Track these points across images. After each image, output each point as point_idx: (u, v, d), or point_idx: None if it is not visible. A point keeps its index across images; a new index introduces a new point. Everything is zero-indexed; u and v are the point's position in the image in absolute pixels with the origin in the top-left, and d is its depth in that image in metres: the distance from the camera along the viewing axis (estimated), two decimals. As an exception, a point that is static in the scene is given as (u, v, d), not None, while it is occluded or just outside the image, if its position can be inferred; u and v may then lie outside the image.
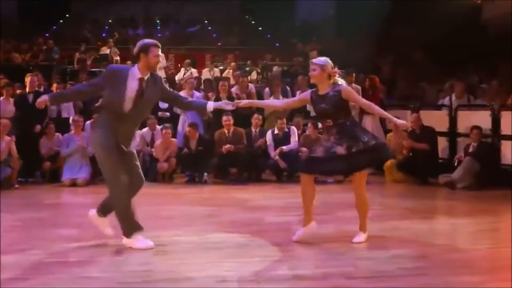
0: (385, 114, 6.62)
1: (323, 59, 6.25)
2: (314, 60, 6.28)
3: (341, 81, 6.25)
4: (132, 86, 5.86)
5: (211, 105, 6.24)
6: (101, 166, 6.03)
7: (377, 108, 6.55)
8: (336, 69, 6.29)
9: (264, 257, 5.65)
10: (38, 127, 11.86)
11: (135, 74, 5.90)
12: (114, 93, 5.87)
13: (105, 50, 19.88)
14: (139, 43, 6.06)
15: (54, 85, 12.96)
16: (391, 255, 5.73)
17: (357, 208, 6.34)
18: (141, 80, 5.90)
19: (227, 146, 11.53)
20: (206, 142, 11.81)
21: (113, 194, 6.02)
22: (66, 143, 11.57)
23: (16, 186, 10.98)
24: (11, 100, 12.02)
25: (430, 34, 15.47)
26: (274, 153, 11.63)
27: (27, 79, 12.18)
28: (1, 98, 11.97)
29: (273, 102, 6.51)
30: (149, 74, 5.97)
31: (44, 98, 6.02)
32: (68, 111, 12.68)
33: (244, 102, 6.77)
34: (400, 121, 6.34)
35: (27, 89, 12.17)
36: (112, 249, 6.05)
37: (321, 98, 6.22)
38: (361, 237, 6.26)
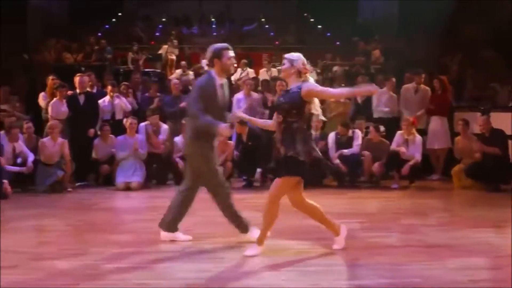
0: (350, 91, 6.79)
1: (296, 55, 6.08)
2: (286, 55, 6.14)
3: (311, 80, 6.08)
4: (220, 94, 6.30)
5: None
6: (205, 177, 6.48)
7: (338, 92, 6.81)
8: (308, 67, 6.17)
9: (325, 266, 5.61)
10: (91, 131, 12.04)
11: (217, 81, 6.29)
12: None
13: (165, 49, 20.09)
14: (211, 49, 6.37)
15: (109, 87, 13.06)
16: (460, 265, 5.62)
17: (263, 216, 6.15)
18: (221, 86, 6.31)
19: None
20: (257, 136, 11.83)
21: (221, 201, 6.58)
22: (120, 146, 11.72)
23: (69, 189, 11.19)
24: (64, 101, 12.20)
25: (501, 31, 15.17)
26: (334, 156, 11.59)
27: (76, 80, 12.29)
28: (55, 99, 12.16)
29: (265, 122, 6.49)
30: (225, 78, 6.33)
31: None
32: (120, 113, 12.81)
33: (243, 118, 6.92)
34: (365, 89, 6.43)
35: (77, 90, 12.27)
36: (166, 255, 6.09)
37: (285, 93, 6.18)
38: (253, 250, 6.10)
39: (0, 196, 10.09)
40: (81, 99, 12.15)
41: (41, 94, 13.03)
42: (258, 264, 5.72)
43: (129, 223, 8.04)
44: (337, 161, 11.56)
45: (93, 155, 11.99)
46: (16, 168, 11.04)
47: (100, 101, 12.69)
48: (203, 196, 6.52)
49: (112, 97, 12.85)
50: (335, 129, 12.03)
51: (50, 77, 13.15)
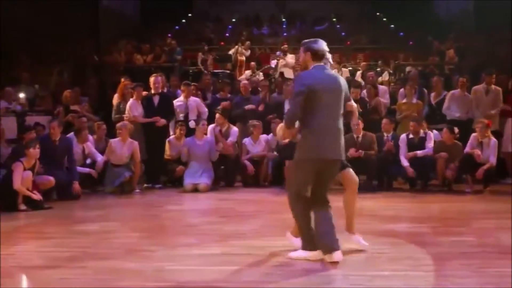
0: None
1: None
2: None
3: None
4: None
5: None
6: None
7: None
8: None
9: (396, 271, 5.57)
10: (162, 121, 12.07)
11: None
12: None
13: (236, 50, 20.22)
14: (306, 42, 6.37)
15: (182, 87, 13.08)
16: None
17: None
18: None
19: (357, 151, 11.43)
20: None
21: None
22: (187, 147, 11.84)
23: (137, 190, 11.38)
24: (139, 102, 12.27)
25: None
26: (407, 155, 11.47)
27: (151, 80, 12.30)
28: (132, 99, 12.25)
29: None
30: None
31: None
32: (195, 113, 12.90)
33: None
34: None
35: (152, 91, 12.32)
36: (235, 258, 6.13)
37: None
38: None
39: (72, 197, 10.39)
40: (156, 99, 12.22)
41: (116, 96, 13.24)
42: (327, 268, 5.70)
43: (195, 225, 8.11)
44: (406, 163, 11.45)
45: (166, 155, 12.10)
46: (85, 169, 11.30)
47: (174, 101, 12.81)
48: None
49: (186, 97, 12.94)
50: (406, 131, 11.91)
51: (122, 79, 13.37)
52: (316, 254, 5.92)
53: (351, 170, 6.38)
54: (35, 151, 9.66)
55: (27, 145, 9.74)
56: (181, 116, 12.67)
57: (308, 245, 5.98)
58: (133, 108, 12.15)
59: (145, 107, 12.20)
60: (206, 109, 12.96)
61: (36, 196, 9.49)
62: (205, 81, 14.93)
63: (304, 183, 5.94)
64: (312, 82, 5.83)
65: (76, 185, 10.57)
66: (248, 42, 21.01)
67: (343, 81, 6.07)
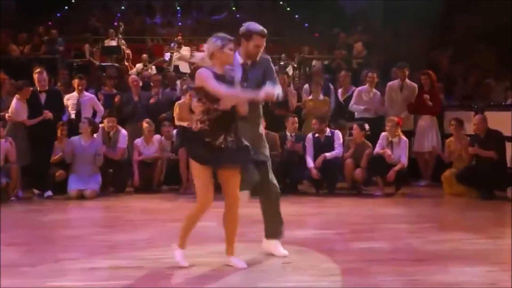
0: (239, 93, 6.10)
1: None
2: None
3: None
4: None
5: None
6: None
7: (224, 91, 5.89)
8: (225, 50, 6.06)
9: (301, 282, 5.63)
10: (50, 114, 11.73)
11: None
12: None
13: (109, 42, 19.80)
14: (244, 27, 6.52)
15: (76, 81, 12.87)
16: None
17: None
18: (244, 65, 6.41)
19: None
20: None
21: None
22: (72, 147, 11.64)
23: (12, 198, 11.19)
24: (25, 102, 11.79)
25: (496, 23, 15.27)
26: (314, 162, 11.60)
27: (36, 76, 11.91)
28: (15, 100, 11.63)
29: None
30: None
31: None
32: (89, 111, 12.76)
33: None
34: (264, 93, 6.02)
35: (37, 88, 11.92)
36: (125, 272, 6.07)
37: None
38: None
39: None
40: (43, 97, 11.83)
41: None
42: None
43: (80, 236, 7.98)
44: (311, 164, 11.60)
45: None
46: None
47: (65, 98, 12.56)
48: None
49: (79, 93, 12.73)
50: (311, 131, 12.08)
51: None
52: None
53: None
54: None
55: None
56: (72, 114, 12.42)
57: None
58: (18, 109, 11.62)
59: (30, 106, 11.73)
60: (102, 108, 12.82)
61: None
62: (95, 76, 14.68)
63: None
64: None
65: None
66: (119, 31, 20.34)
67: None
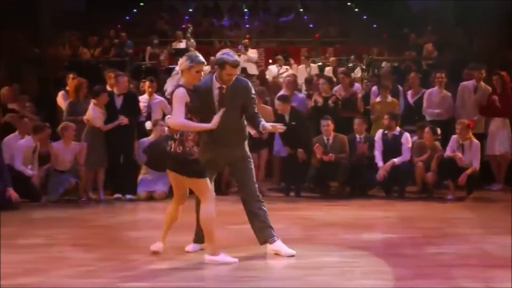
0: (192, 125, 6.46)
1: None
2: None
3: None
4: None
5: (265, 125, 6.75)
6: None
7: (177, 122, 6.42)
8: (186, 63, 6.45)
9: (368, 286, 5.60)
10: (126, 120, 11.80)
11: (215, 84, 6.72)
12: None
13: (177, 44, 19.93)
14: (219, 54, 6.70)
15: (147, 83, 12.97)
16: None
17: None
18: (220, 89, 6.69)
19: (328, 155, 11.48)
20: (299, 116, 11.91)
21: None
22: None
23: (83, 199, 11.41)
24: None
25: None
26: (382, 170, 11.52)
27: (119, 79, 12.01)
28: (93, 106, 11.70)
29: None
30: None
31: None
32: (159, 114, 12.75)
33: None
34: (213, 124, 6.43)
35: (115, 91, 12.02)
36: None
37: None
38: None
39: (9, 206, 10.22)
40: (119, 101, 11.89)
41: (61, 93, 13.05)
42: (295, 283, 5.71)
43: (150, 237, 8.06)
44: (381, 163, 11.55)
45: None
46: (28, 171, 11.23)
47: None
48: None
49: (150, 95, 12.83)
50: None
51: (71, 75, 13.19)
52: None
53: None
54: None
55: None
56: (143, 117, 12.56)
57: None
58: (96, 115, 11.69)
59: (107, 110, 11.81)
60: (170, 108, 12.74)
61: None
62: (163, 78, 14.71)
63: None
64: None
65: (11, 192, 10.44)
66: (188, 34, 20.55)
67: None
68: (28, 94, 14.40)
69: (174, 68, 17.31)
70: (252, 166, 6.93)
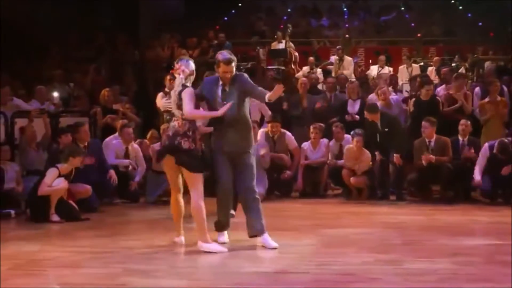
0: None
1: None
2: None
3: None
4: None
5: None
6: None
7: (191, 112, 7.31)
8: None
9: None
10: None
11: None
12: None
13: (277, 45, 19.94)
14: (217, 55, 7.77)
15: None
16: None
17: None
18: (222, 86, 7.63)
19: (428, 156, 11.32)
20: (392, 121, 11.91)
21: None
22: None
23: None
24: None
25: None
26: (480, 169, 11.24)
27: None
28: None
29: None
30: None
31: None
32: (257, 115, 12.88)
33: None
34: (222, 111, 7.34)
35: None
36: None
37: None
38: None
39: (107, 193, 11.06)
40: None
41: (160, 94, 13.28)
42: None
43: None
44: (478, 177, 11.17)
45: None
46: (125, 161, 11.67)
47: None
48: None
49: None
50: (491, 135, 11.74)
51: (168, 76, 13.41)
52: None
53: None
54: (78, 160, 9.79)
55: (72, 153, 9.81)
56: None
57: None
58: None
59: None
60: (269, 112, 12.76)
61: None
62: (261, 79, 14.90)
63: None
64: None
65: (112, 173, 10.98)
66: (286, 33, 20.06)
67: None
68: (127, 96, 14.74)
69: (272, 68, 17.56)
70: (254, 162, 7.73)
